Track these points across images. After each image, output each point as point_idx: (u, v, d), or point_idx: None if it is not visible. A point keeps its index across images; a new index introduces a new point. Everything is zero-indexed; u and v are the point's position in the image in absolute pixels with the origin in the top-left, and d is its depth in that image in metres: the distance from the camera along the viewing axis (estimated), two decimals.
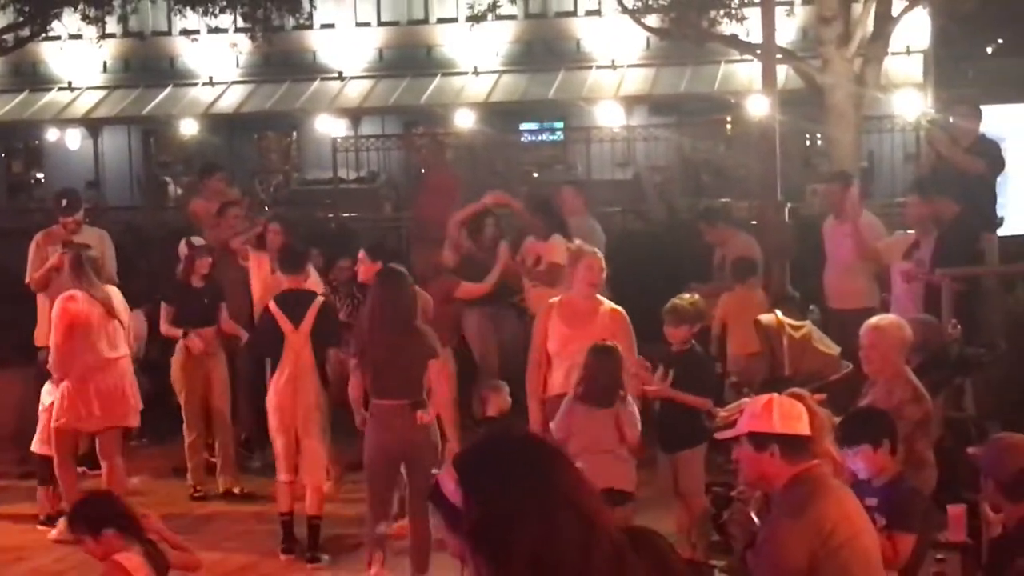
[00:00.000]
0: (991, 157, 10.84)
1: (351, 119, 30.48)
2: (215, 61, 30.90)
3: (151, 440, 11.96)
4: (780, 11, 16.63)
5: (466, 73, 30.56)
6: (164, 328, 10.73)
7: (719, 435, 5.47)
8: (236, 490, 10.43)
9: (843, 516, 4.76)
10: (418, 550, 8.13)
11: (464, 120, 29.06)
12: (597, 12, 29.81)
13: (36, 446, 10.00)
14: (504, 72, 30.55)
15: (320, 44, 31.49)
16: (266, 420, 9.27)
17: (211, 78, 31.76)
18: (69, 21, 25.71)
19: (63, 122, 32.37)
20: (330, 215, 20.75)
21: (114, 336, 9.55)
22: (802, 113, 18.44)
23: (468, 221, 11.48)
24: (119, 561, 5.80)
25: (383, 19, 31.82)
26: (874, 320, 7.46)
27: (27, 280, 10.87)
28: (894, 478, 6.03)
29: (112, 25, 27.70)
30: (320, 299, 9.40)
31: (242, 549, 9.30)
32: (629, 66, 29.56)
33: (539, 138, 31.37)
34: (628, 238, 14.90)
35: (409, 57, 31.24)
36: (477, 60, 30.34)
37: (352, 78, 31.30)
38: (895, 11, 17.04)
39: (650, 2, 19.10)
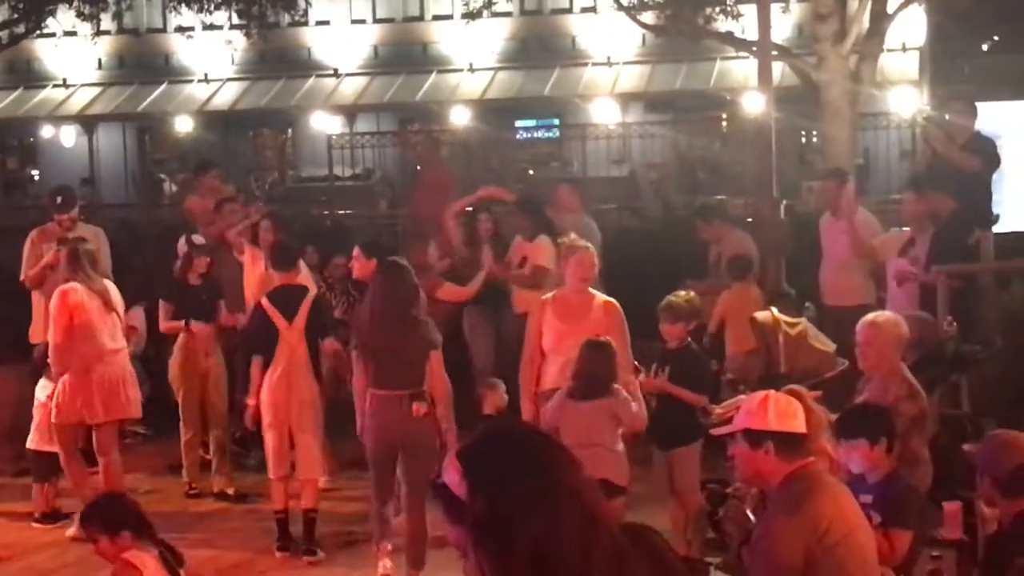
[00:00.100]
0: (987, 154, 10.83)
1: (346, 116, 30.50)
2: (210, 58, 30.89)
3: (154, 433, 11.98)
4: (776, 8, 16.61)
5: (461, 70, 30.57)
6: (164, 325, 10.68)
7: (715, 431, 5.46)
8: (230, 491, 10.41)
9: (839, 513, 4.76)
10: (414, 544, 8.13)
11: (459, 117, 29.08)
12: (593, 9, 29.84)
13: (31, 443, 9.99)
14: (499, 69, 30.56)
15: (315, 41, 31.48)
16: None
17: (206, 75, 31.76)
18: (64, 18, 25.71)
19: (58, 119, 32.38)
20: (325, 212, 20.74)
21: (113, 328, 9.56)
22: (798, 110, 18.46)
23: (462, 213, 11.51)
24: (129, 559, 5.80)
25: (378, 16, 31.83)
26: (871, 316, 7.45)
27: (22, 277, 10.86)
28: (889, 475, 6.03)
29: (107, 22, 27.71)
30: (312, 293, 9.43)
31: (237, 546, 9.28)
32: (625, 63, 29.58)
33: (535, 135, 31.39)
34: (624, 235, 14.90)
35: (404, 54, 31.24)
36: (472, 57, 30.35)
37: (347, 75, 31.31)
38: (891, 8, 17.04)
39: None
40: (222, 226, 11.38)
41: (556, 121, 30.90)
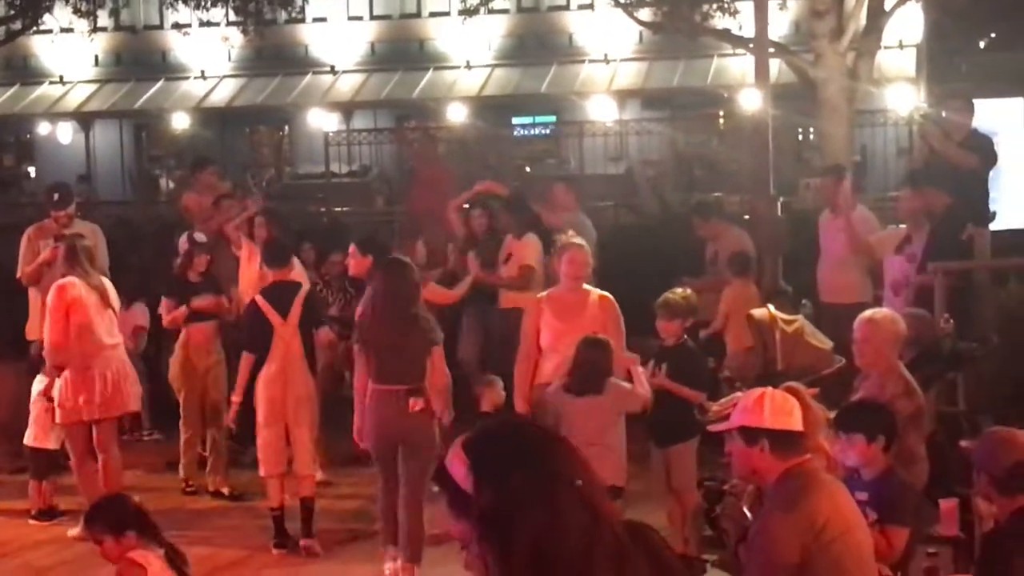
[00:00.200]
0: (984, 151, 10.84)
1: (343, 113, 30.46)
2: (207, 55, 30.85)
3: (159, 433, 12.03)
4: (773, 5, 16.60)
5: (458, 67, 30.53)
6: (167, 319, 10.61)
7: (712, 427, 5.46)
8: (225, 490, 10.40)
9: (835, 511, 4.76)
10: (412, 539, 8.15)
11: (456, 114, 29.04)
12: (590, 6, 29.81)
13: (28, 440, 9.98)
14: (496, 66, 30.53)
15: (312, 38, 31.44)
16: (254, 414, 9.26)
17: (203, 72, 31.71)
18: (60, 14, 25.65)
19: (54, 116, 32.31)
20: (322, 209, 20.73)
21: (110, 324, 9.55)
22: (795, 107, 18.44)
23: (461, 208, 11.69)
24: (134, 558, 5.81)
25: (375, 13, 31.78)
26: (868, 313, 7.46)
27: (18, 274, 10.86)
28: (885, 472, 6.03)
29: (104, 19, 27.66)
30: (304, 289, 9.45)
31: (234, 544, 9.29)
32: (622, 60, 29.54)
33: (531, 132, 31.33)
34: (620, 232, 14.91)
35: (401, 51, 31.20)
36: (469, 54, 30.31)
37: (344, 72, 31.26)
38: (888, 5, 17.03)
39: None
40: (220, 220, 11.38)
41: (553, 118, 30.86)
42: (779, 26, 21.62)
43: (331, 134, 26.63)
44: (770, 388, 5.07)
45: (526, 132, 31.13)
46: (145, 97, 31.51)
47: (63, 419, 9.43)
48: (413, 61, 30.90)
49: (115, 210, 21.91)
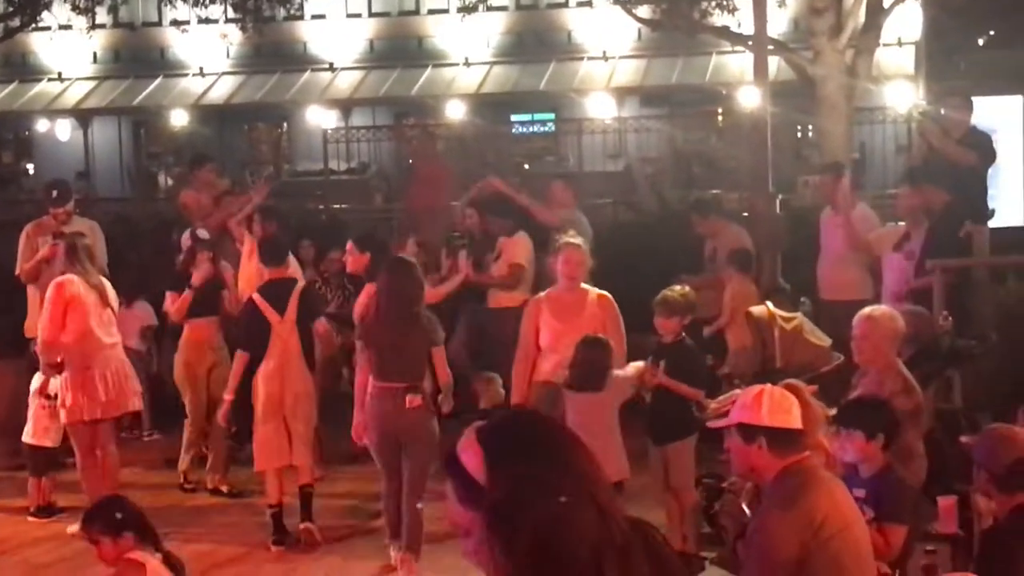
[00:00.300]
0: (982, 149, 10.84)
1: (342, 110, 30.45)
2: (205, 52, 30.85)
3: (159, 433, 12.03)
4: (771, 2, 16.62)
5: (457, 64, 30.52)
6: (173, 310, 10.53)
7: (711, 423, 5.46)
8: (224, 488, 10.39)
9: (834, 508, 4.75)
10: (412, 531, 8.18)
11: (455, 111, 29.05)
12: (588, 3, 29.81)
13: (27, 437, 9.98)
14: (495, 63, 30.52)
15: (311, 35, 31.43)
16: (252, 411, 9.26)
17: (201, 69, 31.70)
18: (59, 11, 25.65)
19: (53, 113, 32.31)
20: (321, 206, 20.72)
21: (109, 324, 9.55)
22: (793, 104, 18.46)
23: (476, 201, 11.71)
24: (132, 558, 5.81)
25: (374, 10, 31.77)
26: (867, 310, 7.46)
27: (17, 271, 10.85)
28: (882, 469, 6.02)
29: (102, 16, 27.64)
30: (300, 285, 9.46)
31: (232, 541, 9.28)
32: (620, 57, 29.54)
33: (530, 129, 31.34)
34: (619, 229, 14.89)
35: (400, 48, 31.19)
36: (468, 51, 30.31)
37: (343, 69, 31.25)
38: (887, 2, 17.05)
39: None
40: (224, 215, 11.38)
41: (552, 115, 30.86)
42: (778, 23, 21.66)
43: (330, 131, 26.65)
44: (769, 385, 5.06)
45: (525, 129, 31.13)
46: (144, 94, 31.50)
47: (68, 419, 9.42)
48: (412, 58, 30.89)
49: (113, 207, 21.91)
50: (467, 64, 30.42)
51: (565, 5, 30.73)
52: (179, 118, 31.44)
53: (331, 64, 31.34)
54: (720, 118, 28.59)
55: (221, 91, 31.47)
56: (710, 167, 26.22)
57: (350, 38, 31.28)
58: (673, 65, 28.62)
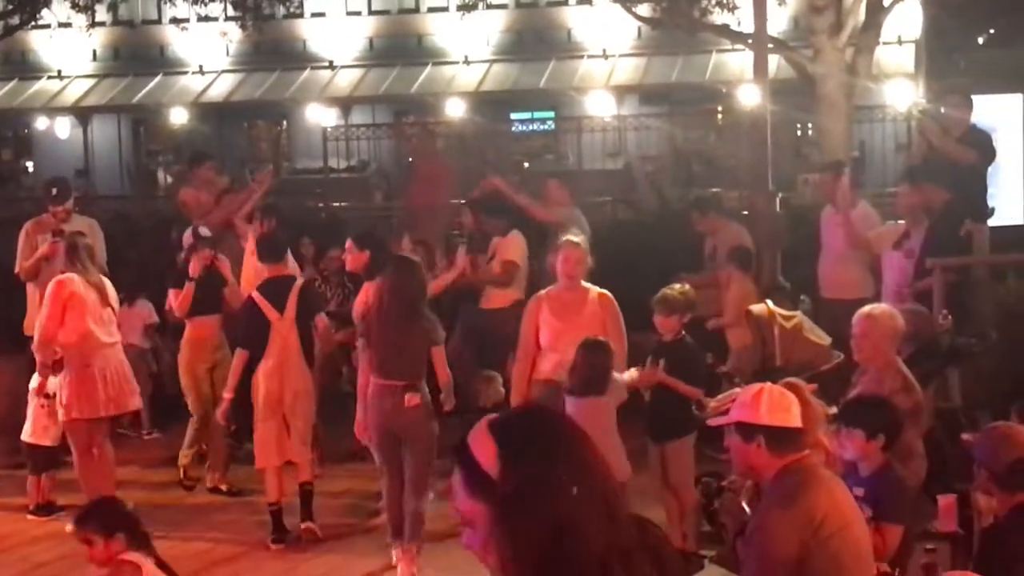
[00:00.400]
0: (982, 147, 10.83)
1: (341, 108, 30.45)
2: (205, 50, 30.84)
3: (159, 432, 12.02)
4: (771, 0, 16.60)
5: (457, 62, 30.53)
6: (177, 305, 10.50)
7: (711, 421, 5.46)
8: (223, 487, 10.38)
9: (833, 506, 4.75)
10: (413, 525, 8.20)
11: (455, 109, 29.05)
12: (588, 1, 29.81)
13: (26, 435, 9.97)
14: (495, 61, 30.53)
15: (310, 33, 31.43)
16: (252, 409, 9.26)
17: (201, 67, 31.71)
18: (59, 9, 25.66)
19: (52, 110, 32.32)
20: (320, 204, 20.72)
21: (108, 323, 9.54)
22: (793, 103, 18.44)
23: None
24: (127, 558, 5.81)
25: (374, 8, 31.78)
26: (867, 309, 7.45)
27: (16, 269, 10.84)
28: (881, 468, 6.01)
29: (102, 13, 27.63)
30: (298, 282, 9.45)
31: (232, 539, 9.28)
32: (620, 55, 29.54)
33: (530, 128, 31.33)
34: (619, 228, 14.90)
35: (400, 46, 31.19)
36: (468, 49, 30.31)
37: (342, 67, 31.26)
38: (887, 1, 17.03)
39: None
40: (224, 213, 11.36)
41: (551, 114, 30.86)
42: (778, 22, 21.65)
43: (329, 129, 26.61)
44: (768, 384, 5.05)
45: (524, 127, 31.13)
46: (143, 92, 31.51)
47: (66, 416, 9.41)
48: (411, 56, 30.89)
49: (113, 205, 21.93)
50: (467, 62, 30.42)
51: (565, 3, 30.74)
52: (179, 116, 31.45)
53: (331, 62, 31.34)
54: (720, 116, 28.59)
55: (221, 89, 31.47)
56: (710, 165, 26.23)
57: (350, 36, 31.28)
58: (673, 63, 28.62)
